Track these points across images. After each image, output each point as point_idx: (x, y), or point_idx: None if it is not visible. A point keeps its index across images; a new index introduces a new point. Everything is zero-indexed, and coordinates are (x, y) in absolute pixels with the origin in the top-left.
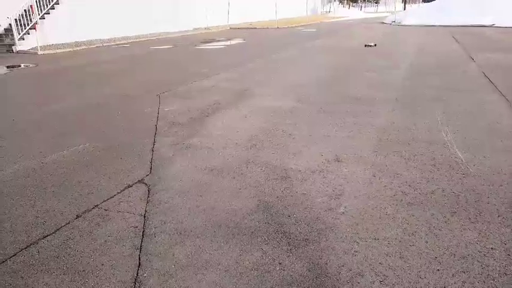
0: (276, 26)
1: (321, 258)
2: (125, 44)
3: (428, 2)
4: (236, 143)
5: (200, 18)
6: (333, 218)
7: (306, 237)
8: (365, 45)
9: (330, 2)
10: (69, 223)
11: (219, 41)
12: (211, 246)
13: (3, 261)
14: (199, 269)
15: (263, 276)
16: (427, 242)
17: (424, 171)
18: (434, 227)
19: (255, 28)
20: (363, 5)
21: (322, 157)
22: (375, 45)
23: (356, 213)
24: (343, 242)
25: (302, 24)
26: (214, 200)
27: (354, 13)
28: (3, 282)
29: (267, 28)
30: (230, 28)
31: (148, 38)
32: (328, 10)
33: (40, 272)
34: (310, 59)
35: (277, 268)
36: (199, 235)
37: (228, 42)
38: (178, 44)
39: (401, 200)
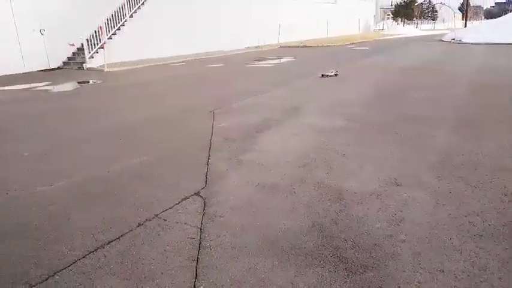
0: (327, 44)
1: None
2: (181, 62)
3: (492, 18)
4: (287, 161)
5: (251, 37)
6: (393, 245)
7: (364, 263)
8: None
9: (384, 19)
10: (131, 230)
11: (269, 59)
12: (266, 265)
13: (74, 262)
14: (254, 286)
15: None
16: (500, 278)
17: (494, 201)
18: (508, 262)
19: (306, 46)
20: (419, 21)
21: (378, 179)
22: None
23: (418, 242)
24: (405, 271)
25: (354, 41)
26: (268, 217)
27: (409, 30)
28: (73, 281)
29: (318, 46)
30: (280, 46)
31: (202, 57)
32: (381, 27)
33: (106, 275)
34: (361, 77)
35: None
36: (254, 252)
37: (278, 61)
38: (230, 63)
39: (469, 230)
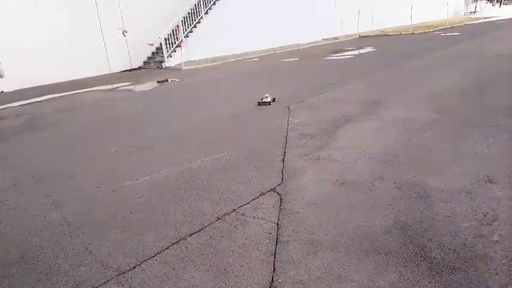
0: (411, 32)
1: None
2: (255, 58)
3: None
4: (368, 157)
5: (327, 28)
6: (484, 246)
7: (451, 264)
8: None
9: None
10: (211, 223)
11: (348, 50)
12: (344, 261)
13: (159, 253)
14: (332, 283)
15: None
16: None
17: None
18: None
19: (387, 35)
20: None
21: (469, 176)
22: None
23: None
24: (498, 274)
25: (441, 27)
26: (346, 214)
27: (508, 12)
28: (158, 271)
29: (400, 34)
30: (359, 36)
31: (277, 51)
32: (473, 10)
33: (188, 266)
34: (450, 66)
35: None
36: (332, 248)
37: (358, 52)
38: (306, 56)
39: None
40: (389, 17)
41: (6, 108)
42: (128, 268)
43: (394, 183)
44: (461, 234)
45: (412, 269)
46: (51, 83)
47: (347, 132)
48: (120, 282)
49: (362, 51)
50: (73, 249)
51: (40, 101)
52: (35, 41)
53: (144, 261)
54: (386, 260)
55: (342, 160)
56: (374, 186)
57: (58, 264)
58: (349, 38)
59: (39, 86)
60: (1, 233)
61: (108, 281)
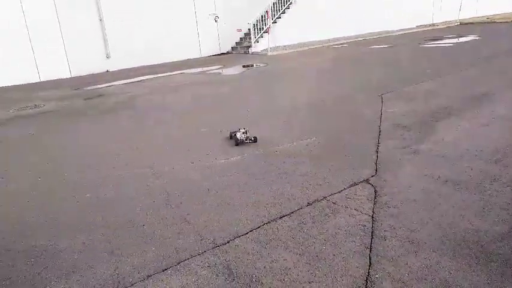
0: None
1: None
2: (343, 44)
3: None
4: (476, 155)
5: (422, 14)
6: None
7: None
8: None
9: None
10: (301, 208)
11: (447, 38)
12: (450, 266)
13: (251, 231)
14: (437, 286)
15: None
16: None
17: None
18: None
19: (494, 22)
20: None
21: None
22: None
23: None
24: None
25: None
26: (451, 215)
27: None
28: (251, 248)
29: (510, 21)
30: (460, 23)
31: (367, 38)
32: None
33: (279, 247)
34: None
35: None
36: (435, 250)
37: (458, 40)
38: (399, 43)
39: None
40: (497, 3)
41: (111, 86)
42: (223, 242)
43: (509, 185)
44: None
45: None
46: (146, 64)
47: (449, 126)
48: (216, 254)
49: (464, 39)
50: (173, 218)
51: (140, 81)
52: (138, 26)
53: (237, 237)
54: (501, 269)
55: (444, 155)
56: (484, 186)
57: (160, 230)
58: (448, 25)
59: (137, 67)
60: (109, 198)
61: (205, 251)
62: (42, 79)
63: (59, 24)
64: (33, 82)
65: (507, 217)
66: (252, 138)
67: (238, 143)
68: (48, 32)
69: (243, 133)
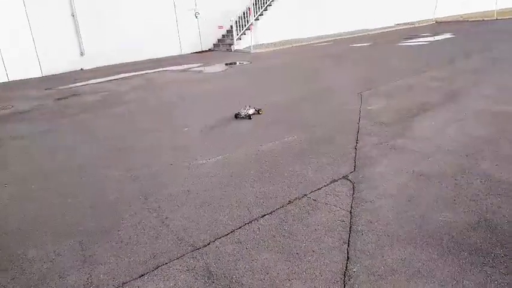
0: (495, 17)
1: None
2: (323, 42)
3: None
4: (448, 150)
5: (400, 13)
6: None
7: None
8: None
9: None
10: (282, 207)
11: (423, 36)
12: (423, 257)
13: (232, 232)
14: (411, 277)
15: None
16: None
17: None
18: None
19: (467, 21)
20: None
21: None
22: None
23: None
24: None
25: None
26: (424, 207)
27: None
28: (232, 249)
29: (483, 20)
30: (436, 22)
31: (347, 36)
32: None
33: (260, 246)
34: None
35: None
36: (410, 242)
37: (433, 38)
38: (378, 41)
39: None
40: (470, 2)
41: (86, 85)
42: (203, 244)
43: (478, 178)
44: None
45: (501, 270)
46: (123, 62)
47: (425, 122)
48: (195, 258)
49: (439, 37)
50: (151, 222)
51: (117, 79)
52: (114, 22)
53: (218, 238)
54: (471, 258)
55: (419, 151)
56: (456, 180)
57: (137, 235)
58: (425, 24)
59: (115, 64)
60: (83, 202)
61: (183, 255)
62: (11, 79)
63: (27, 20)
64: (1, 82)
65: (476, 208)
66: (247, 115)
67: (236, 115)
68: (16, 29)
69: (245, 110)
